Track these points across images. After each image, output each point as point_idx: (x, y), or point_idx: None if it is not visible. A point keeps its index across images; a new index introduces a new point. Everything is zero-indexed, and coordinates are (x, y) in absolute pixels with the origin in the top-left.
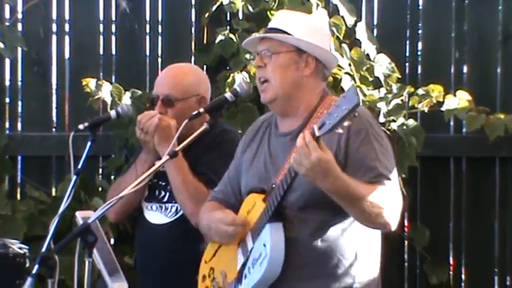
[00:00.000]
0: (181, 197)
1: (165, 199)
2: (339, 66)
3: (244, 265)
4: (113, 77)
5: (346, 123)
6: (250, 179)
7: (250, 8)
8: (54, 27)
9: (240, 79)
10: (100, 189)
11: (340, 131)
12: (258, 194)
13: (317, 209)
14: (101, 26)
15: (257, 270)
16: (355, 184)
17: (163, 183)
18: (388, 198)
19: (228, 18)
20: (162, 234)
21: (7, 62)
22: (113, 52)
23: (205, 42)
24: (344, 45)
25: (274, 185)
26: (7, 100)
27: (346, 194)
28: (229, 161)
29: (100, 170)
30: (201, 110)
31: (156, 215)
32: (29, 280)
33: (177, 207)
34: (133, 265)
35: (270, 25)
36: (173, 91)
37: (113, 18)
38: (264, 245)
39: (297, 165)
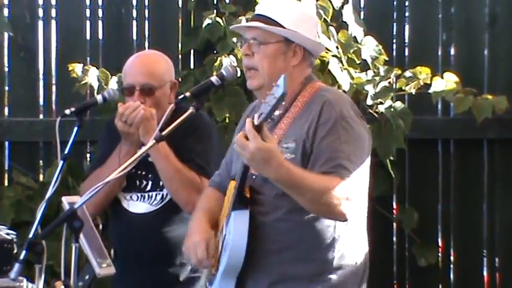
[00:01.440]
0: (175, 186)
1: (148, 188)
2: (326, 49)
3: (220, 253)
4: (100, 62)
5: (277, 112)
6: (237, 164)
7: None
8: (40, 12)
9: (227, 63)
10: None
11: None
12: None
13: (284, 196)
14: (88, 10)
15: (224, 258)
16: (302, 173)
17: (144, 173)
18: (341, 190)
19: (215, 2)
20: (147, 223)
21: None
22: (100, 37)
23: (192, 26)
24: (331, 27)
25: (249, 172)
26: None
27: (291, 183)
28: (210, 143)
29: (88, 155)
30: (188, 94)
31: (138, 205)
32: (16, 266)
33: (162, 194)
34: (113, 256)
35: (258, 11)
36: (151, 79)
37: (100, 3)
38: (229, 232)
39: (240, 154)
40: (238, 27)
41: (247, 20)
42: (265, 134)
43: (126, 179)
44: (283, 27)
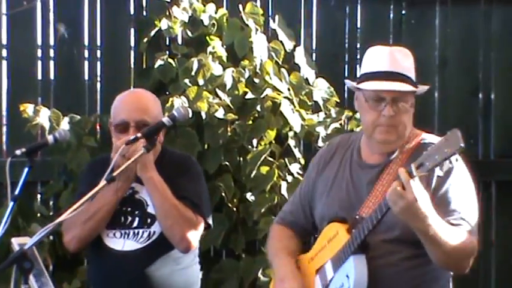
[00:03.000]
0: (171, 221)
1: (134, 224)
2: (277, 90)
3: None
4: (51, 102)
5: (445, 168)
6: (330, 204)
7: (189, 33)
8: None
9: (178, 104)
10: (38, 215)
11: (440, 173)
12: (340, 223)
13: (404, 242)
14: (39, 50)
15: None
16: (443, 227)
17: (130, 209)
18: (468, 245)
19: (167, 43)
20: (131, 261)
21: None
22: (52, 77)
23: (144, 67)
24: (283, 69)
25: (358, 217)
26: None
27: (432, 236)
28: (202, 183)
29: (38, 196)
30: (139, 134)
31: (121, 242)
32: None
33: (149, 232)
34: None
35: (395, 68)
36: (146, 116)
37: (51, 43)
38: (347, 276)
39: (392, 203)
40: (381, 87)
41: (199, 62)
42: (419, 187)
43: (124, 208)
44: (416, 84)
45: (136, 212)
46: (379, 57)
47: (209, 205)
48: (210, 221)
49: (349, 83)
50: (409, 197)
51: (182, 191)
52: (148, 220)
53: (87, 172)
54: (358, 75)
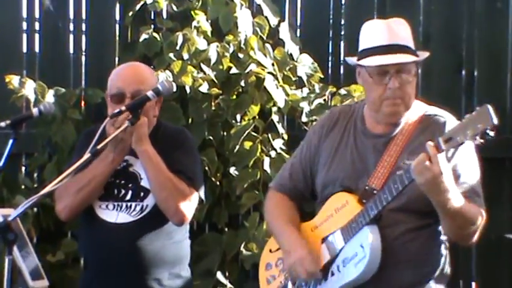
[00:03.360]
0: (165, 194)
1: (128, 197)
2: (262, 65)
3: (331, 262)
4: (37, 75)
5: (478, 140)
6: (334, 172)
7: (174, 7)
8: None
9: (163, 78)
10: (23, 187)
11: (476, 141)
12: (348, 193)
13: (410, 212)
14: (24, 23)
15: (351, 270)
16: (461, 203)
17: (123, 182)
18: (478, 217)
19: (152, 17)
20: (125, 234)
21: None
22: (37, 50)
23: (129, 40)
24: (267, 45)
25: (368, 187)
26: None
27: (453, 211)
28: (196, 157)
29: (23, 168)
30: (123, 108)
31: (114, 214)
32: None
33: (142, 205)
34: (83, 266)
35: (395, 41)
36: (142, 86)
37: (37, 16)
38: (362, 246)
39: (417, 174)
40: (384, 62)
41: (184, 36)
42: (445, 160)
43: (104, 188)
44: (416, 53)
45: (130, 185)
46: (377, 31)
47: (202, 179)
48: (203, 195)
49: (350, 60)
50: (436, 169)
51: (177, 164)
52: (142, 194)
53: (81, 141)
54: (358, 50)
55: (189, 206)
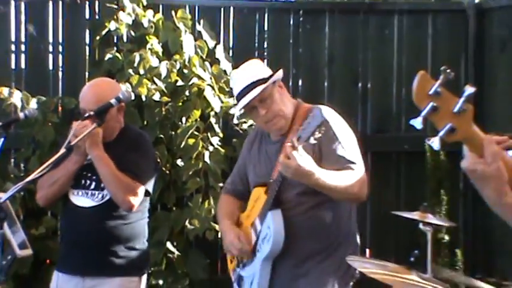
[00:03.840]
0: (113, 188)
1: (92, 187)
2: (201, 79)
3: (256, 243)
4: (23, 87)
5: (316, 135)
6: (255, 173)
7: (133, 33)
8: None
9: (124, 89)
10: (12, 175)
11: (313, 141)
12: (260, 187)
13: (310, 193)
14: (13, 46)
15: (265, 246)
16: (331, 176)
17: (89, 174)
18: (356, 178)
19: (115, 41)
20: (88, 215)
21: None
22: (23, 66)
23: (97, 59)
24: (206, 63)
25: (271, 180)
26: None
27: (325, 186)
28: (150, 158)
29: (12, 160)
30: (91, 113)
31: (82, 200)
32: None
33: (103, 194)
34: (60, 239)
35: (248, 81)
36: (101, 103)
37: (23, 39)
38: (268, 227)
39: (283, 171)
40: (246, 105)
41: (140, 55)
42: (302, 153)
43: (75, 178)
44: (266, 80)
45: (94, 177)
46: (236, 79)
47: (151, 175)
48: (150, 188)
49: (233, 110)
50: (293, 164)
51: (130, 163)
52: (102, 185)
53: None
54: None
55: (134, 198)
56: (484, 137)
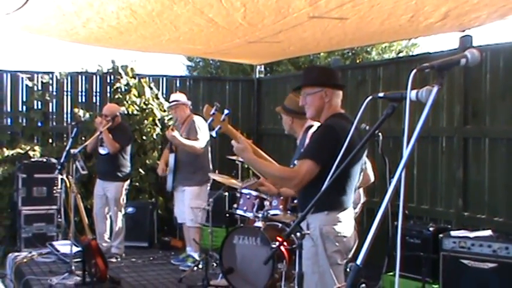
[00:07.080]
0: (108, 146)
1: (103, 145)
2: (151, 104)
3: None
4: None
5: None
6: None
7: (126, 87)
8: None
9: (122, 108)
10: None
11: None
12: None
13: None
14: None
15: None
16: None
17: (101, 139)
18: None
19: (122, 90)
20: (103, 158)
21: None
22: None
23: (110, 96)
24: (155, 98)
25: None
26: None
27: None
28: (128, 134)
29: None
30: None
31: (101, 150)
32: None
33: (107, 149)
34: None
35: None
36: (108, 113)
37: None
38: None
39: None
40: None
41: (129, 96)
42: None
43: (100, 140)
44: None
45: (103, 144)
46: (171, 99)
47: (128, 141)
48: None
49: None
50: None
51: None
52: (104, 144)
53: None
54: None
55: (117, 149)
56: (236, 132)
